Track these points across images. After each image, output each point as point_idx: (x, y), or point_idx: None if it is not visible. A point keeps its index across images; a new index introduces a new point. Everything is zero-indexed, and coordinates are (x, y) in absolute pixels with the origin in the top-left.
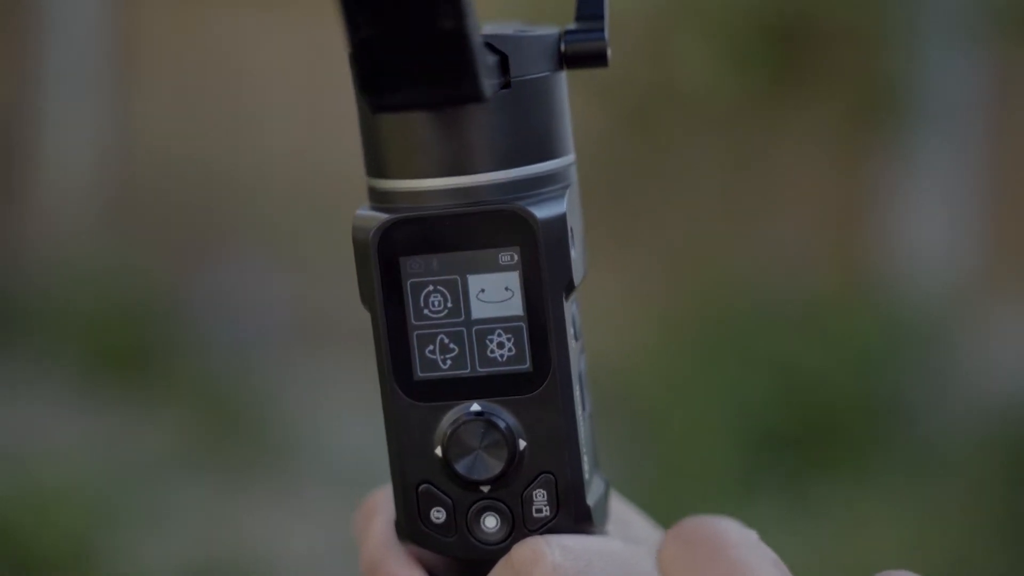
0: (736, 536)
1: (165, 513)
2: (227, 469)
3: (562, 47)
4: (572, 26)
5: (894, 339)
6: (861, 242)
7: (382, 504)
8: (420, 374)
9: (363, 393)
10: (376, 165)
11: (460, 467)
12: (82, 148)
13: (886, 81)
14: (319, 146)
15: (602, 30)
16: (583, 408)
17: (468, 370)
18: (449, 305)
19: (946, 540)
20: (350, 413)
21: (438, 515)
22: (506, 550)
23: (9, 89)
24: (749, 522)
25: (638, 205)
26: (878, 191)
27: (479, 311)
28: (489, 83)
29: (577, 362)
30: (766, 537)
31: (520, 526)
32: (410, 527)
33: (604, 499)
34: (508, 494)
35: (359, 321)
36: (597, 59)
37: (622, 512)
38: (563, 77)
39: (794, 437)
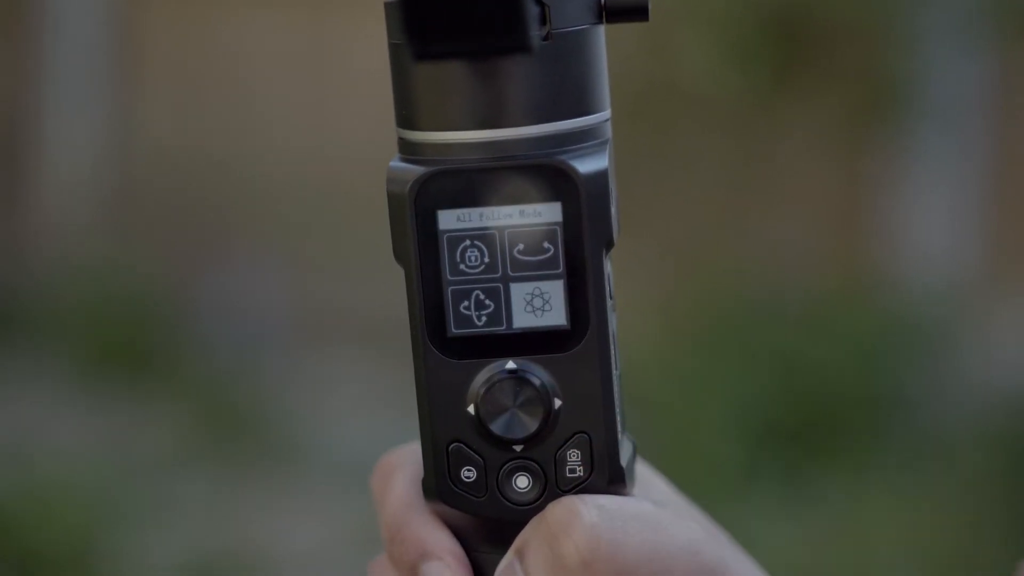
0: None
1: (167, 509)
2: (229, 466)
3: (603, 0)
4: None
5: (895, 333)
6: (863, 237)
7: (400, 464)
8: (454, 330)
9: (365, 390)
10: (411, 117)
11: (494, 426)
12: (85, 146)
13: (888, 78)
14: (322, 144)
15: None
16: (615, 368)
17: (504, 327)
18: (486, 260)
19: (945, 532)
20: (352, 410)
21: (469, 474)
22: (537, 510)
23: (11, 87)
24: (750, 512)
25: (640, 200)
26: (880, 187)
27: (517, 267)
28: (534, 34)
29: (612, 321)
30: (768, 527)
31: (552, 486)
32: (439, 486)
33: (632, 460)
34: (541, 453)
35: (362, 319)
36: (638, 12)
37: (643, 474)
38: (602, 31)
39: (795, 430)
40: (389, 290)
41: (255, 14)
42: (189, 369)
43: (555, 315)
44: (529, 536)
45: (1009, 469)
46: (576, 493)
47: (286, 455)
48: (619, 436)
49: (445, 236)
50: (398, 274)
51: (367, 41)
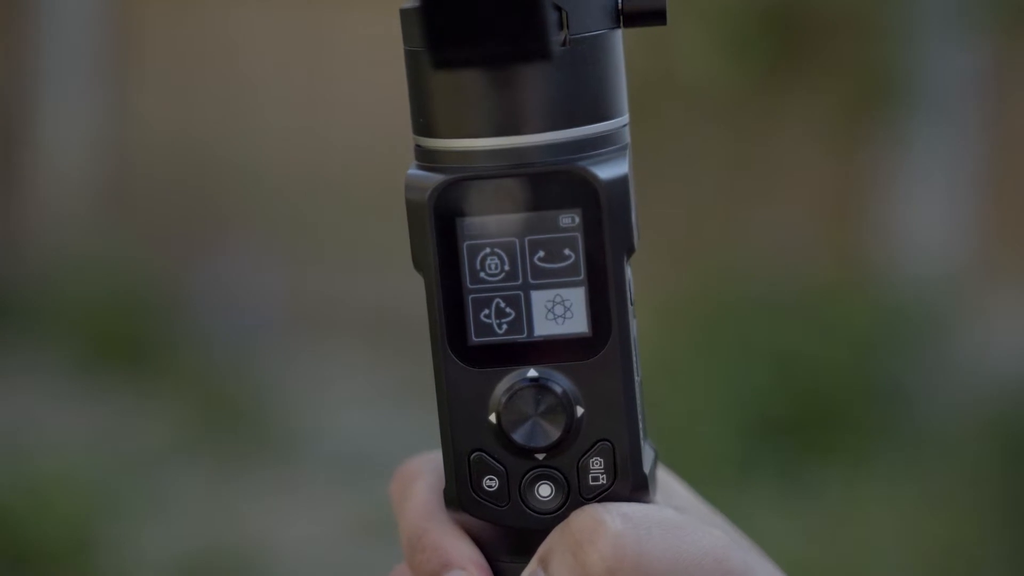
0: None
1: (164, 502)
2: (226, 458)
3: (620, 4)
4: None
5: (891, 325)
6: (858, 229)
7: (419, 472)
8: (475, 339)
9: (363, 382)
10: (429, 124)
11: (516, 435)
12: (80, 137)
13: (884, 69)
14: (319, 135)
15: None
16: (637, 374)
17: (524, 335)
18: (506, 268)
19: (942, 524)
20: (349, 402)
21: (491, 483)
22: (560, 519)
23: (6, 78)
24: (747, 507)
25: (636, 194)
26: (875, 178)
27: (537, 275)
28: (553, 40)
29: (632, 327)
30: (765, 520)
31: (575, 494)
32: (461, 496)
33: (654, 467)
34: (564, 462)
35: (359, 311)
36: (656, 17)
37: (664, 480)
38: (619, 35)
39: (791, 423)
40: (386, 282)
41: (251, 4)
42: (186, 361)
43: (576, 322)
44: (553, 545)
45: (1006, 459)
46: (599, 501)
47: (283, 447)
48: (641, 443)
49: (465, 244)
50: (396, 266)
51: (363, 32)
